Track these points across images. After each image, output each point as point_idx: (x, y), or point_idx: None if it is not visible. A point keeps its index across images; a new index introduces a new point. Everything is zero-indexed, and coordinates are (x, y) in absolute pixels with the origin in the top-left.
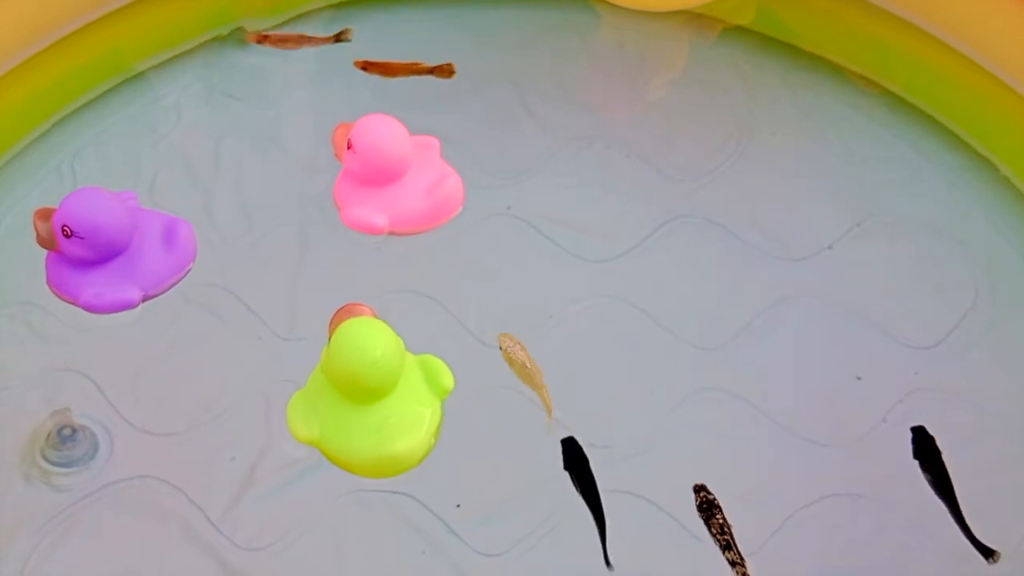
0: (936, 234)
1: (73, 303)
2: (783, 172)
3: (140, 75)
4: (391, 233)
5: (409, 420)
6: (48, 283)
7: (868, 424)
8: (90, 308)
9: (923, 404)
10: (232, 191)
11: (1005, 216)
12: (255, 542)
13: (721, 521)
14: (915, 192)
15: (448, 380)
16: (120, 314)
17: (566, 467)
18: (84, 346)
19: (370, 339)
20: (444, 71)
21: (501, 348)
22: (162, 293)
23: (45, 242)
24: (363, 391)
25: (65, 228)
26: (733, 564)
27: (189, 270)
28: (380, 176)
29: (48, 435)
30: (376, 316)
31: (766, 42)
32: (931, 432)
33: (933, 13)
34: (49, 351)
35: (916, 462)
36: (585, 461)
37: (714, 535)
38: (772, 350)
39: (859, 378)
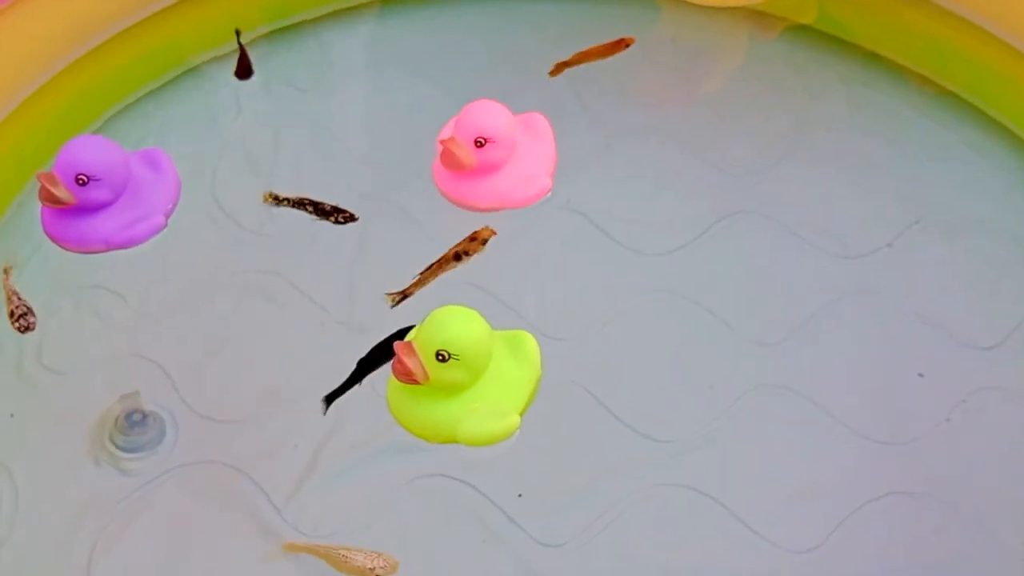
0: (994, 233)
1: (104, 249)
2: (840, 169)
3: (197, 68)
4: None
5: (514, 339)
6: (65, 244)
7: (931, 422)
8: (127, 244)
9: (986, 403)
10: (291, 181)
11: None
12: (318, 529)
13: None
14: (973, 191)
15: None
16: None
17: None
18: (148, 332)
19: (461, 315)
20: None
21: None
22: (172, 213)
23: (60, 201)
24: (490, 349)
25: (80, 177)
26: None
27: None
28: (512, 150)
29: (116, 419)
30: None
31: (823, 39)
32: (994, 432)
33: (992, 11)
34: (114, 337)
35: (980, 461)
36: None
37: None
38: (832, 347)
39: (921, 375)
